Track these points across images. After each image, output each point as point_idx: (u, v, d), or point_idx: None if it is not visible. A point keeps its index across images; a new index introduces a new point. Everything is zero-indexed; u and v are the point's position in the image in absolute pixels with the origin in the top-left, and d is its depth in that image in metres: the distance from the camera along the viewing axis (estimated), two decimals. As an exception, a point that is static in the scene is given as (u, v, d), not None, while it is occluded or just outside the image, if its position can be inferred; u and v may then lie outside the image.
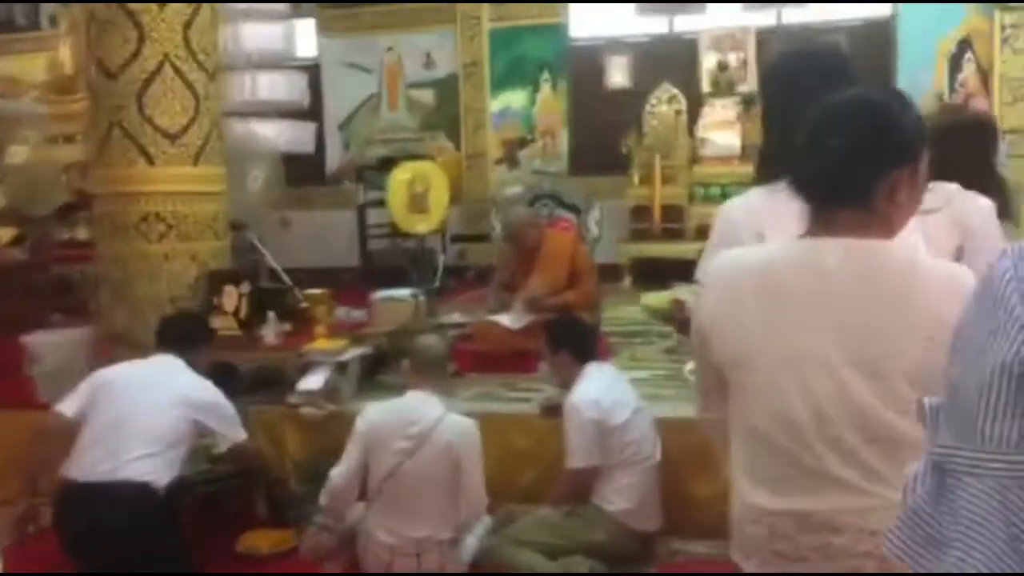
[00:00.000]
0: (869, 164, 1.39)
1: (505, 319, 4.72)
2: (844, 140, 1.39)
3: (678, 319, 2.22)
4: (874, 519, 1.35)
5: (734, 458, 1.57)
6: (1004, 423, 0.92)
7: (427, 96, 9.34)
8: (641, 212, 7.96)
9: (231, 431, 3.53)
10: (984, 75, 7.64)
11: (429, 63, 9.32)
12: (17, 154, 7.40)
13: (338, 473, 3.42)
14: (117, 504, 3.12)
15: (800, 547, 1.44)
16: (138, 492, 3.16)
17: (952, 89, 7.70)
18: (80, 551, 3.23)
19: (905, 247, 1.47)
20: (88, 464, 3.20)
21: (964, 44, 7.77)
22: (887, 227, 1.43)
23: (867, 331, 1.39)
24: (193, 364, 3.54)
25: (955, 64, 7.78)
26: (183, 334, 3.63)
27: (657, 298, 2.24)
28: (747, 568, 1.54)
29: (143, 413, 3.25)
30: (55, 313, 6.34)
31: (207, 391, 3.50)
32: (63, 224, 7.25)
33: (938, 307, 1.32)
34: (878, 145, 1.40)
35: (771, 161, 1.99)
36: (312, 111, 8.54)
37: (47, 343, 4.64)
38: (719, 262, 1.59)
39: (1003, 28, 7.52)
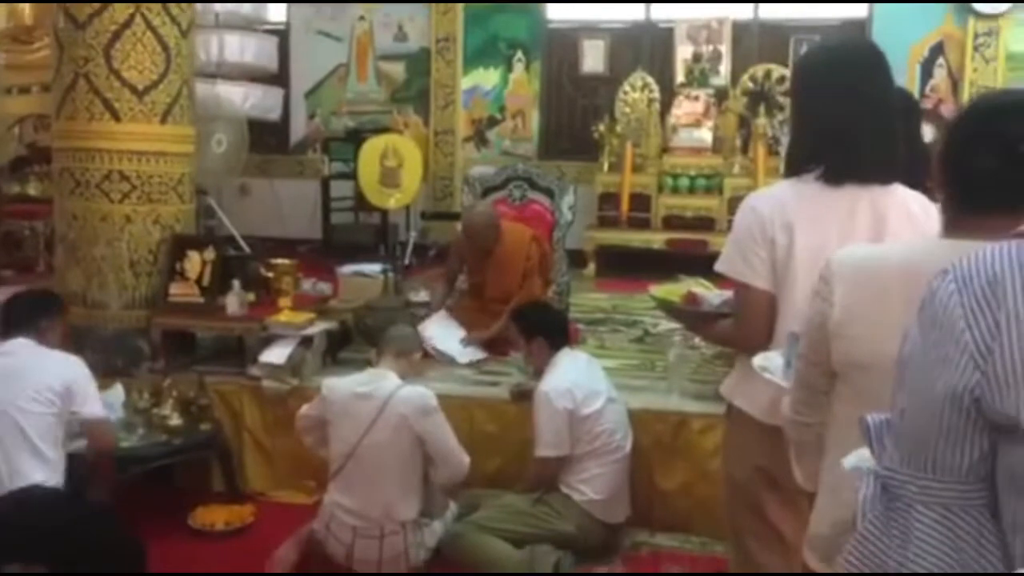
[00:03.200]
0: None
1: (455, 351, 4.57)
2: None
3: (688, 311, 2.16)
4: None
5: (830, 466, 1.47)
6: (955, 452, 0.92)
7: (397, 69, 9.17)
8: (609, 199, 7.92)
9: (86, 408, 3.19)
10: (954, 82, 7.74)
11: (400, 35, 9.15)
12: (-33, 104, 7.10)
13: (300, 415, 3.48)
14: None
15: None
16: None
17: (923, 94, 7.78)
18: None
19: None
20: None
21: (936, 50, 7.85)
22: None
23: None
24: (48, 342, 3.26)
25: (926, 70, 7.87)
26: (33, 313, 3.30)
27: (667, 290, 2.18)
28: (821, 570, 1.48)
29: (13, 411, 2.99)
30: (3, 270, 6.12)
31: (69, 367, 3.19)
32: (14, 179, 7.00)
33: None
34: None
35: (801, 154, 1.97)
36: (279, 77, 8.34)
37: (-5, 301, 4.44)
38: (852, 256, 1.49)
39: (976, 36, 7.62)
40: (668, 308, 2.24)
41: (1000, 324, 0.87)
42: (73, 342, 4.24)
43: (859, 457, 1.09)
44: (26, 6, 7.17)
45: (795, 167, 1.96)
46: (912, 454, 0.95)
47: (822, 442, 1.53)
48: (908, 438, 0.96)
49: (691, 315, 2.19)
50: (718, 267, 2.02)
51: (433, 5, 8.88)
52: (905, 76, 7.82)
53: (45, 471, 2.99)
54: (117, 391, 3.93)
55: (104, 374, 4.05)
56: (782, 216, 1.86)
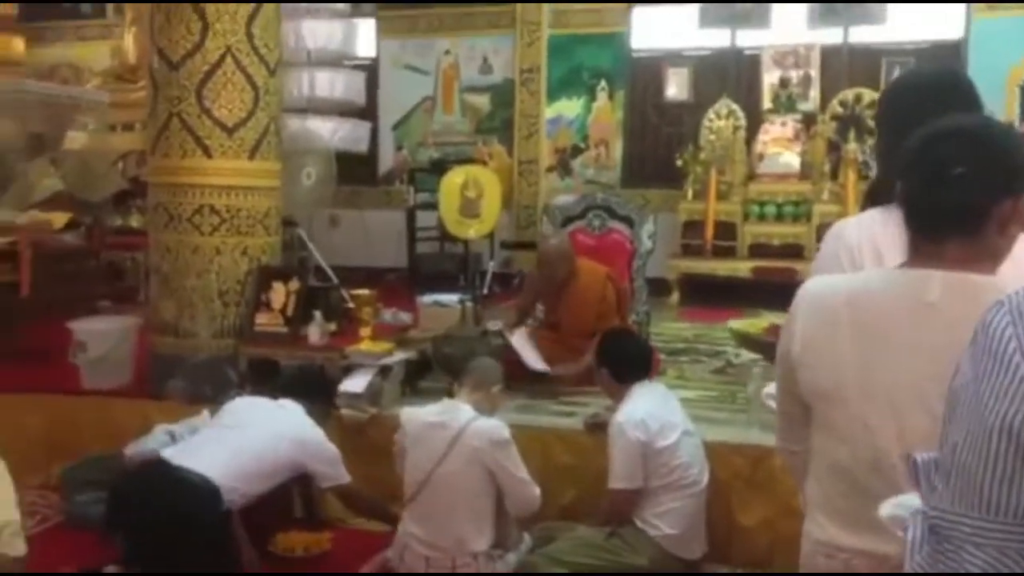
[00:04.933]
0: (989, 193, 1.33)
1: (535, 361, 4.56)
2: (968, 168, 1.32)
3: (771, 343, 2.12)
4: None
5: (810, 491, 1.52)
6: (1009, 490, 0.87)
7: (482, 100, 9.31)
8: (693, 227, 7.84)
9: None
10: (1056, 104, 7.41)
11: (485, 67, 9.29)
12: (76, 140, 7.50)
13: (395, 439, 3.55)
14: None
15: None
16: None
17: (1023, 119, 7.47)
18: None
19: (1012, 282, 1.39)
20: None
21: (1037, 72, 7.54)
22: (993, 260, 1.37)
23: None
24: None
25: (1027, 93, 7.56)
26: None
27: (748, 324, 2.16)
28: None
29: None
30: (104, 300, 6.40)
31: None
32: (117, 211, 7.34)
33: None
34: (1000, 173, 1.33)
35: (886, 184, 1.91)
36: (367, 110, 8.57)
37: (94, 330, 4.65)
38: (811, 287, 1.52)
39: (1080, 57, 7.29)
40: (748, 341, 2.21)
41: None
42: (165, 368, 4.42)
43: (897, 504, 1.05)
44: (129, 46, 7.55)
45: (879, 199, 1.90)
46: (964, 493, 0.91)
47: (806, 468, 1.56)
48: (960, 476, 0.92)
49: (773, 347, 2.15)
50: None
51: (518, 36, 8.99)
52: (1004, 99, 7.53)
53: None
54: (204, 417, 4.05)
55: (193, 400, 4.21)
56: (871, 243, 1.80)
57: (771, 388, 1.86)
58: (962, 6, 7.82)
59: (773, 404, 1.79)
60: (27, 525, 3.07)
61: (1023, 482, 0.86)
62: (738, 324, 2.24)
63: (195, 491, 3.16)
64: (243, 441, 3.41)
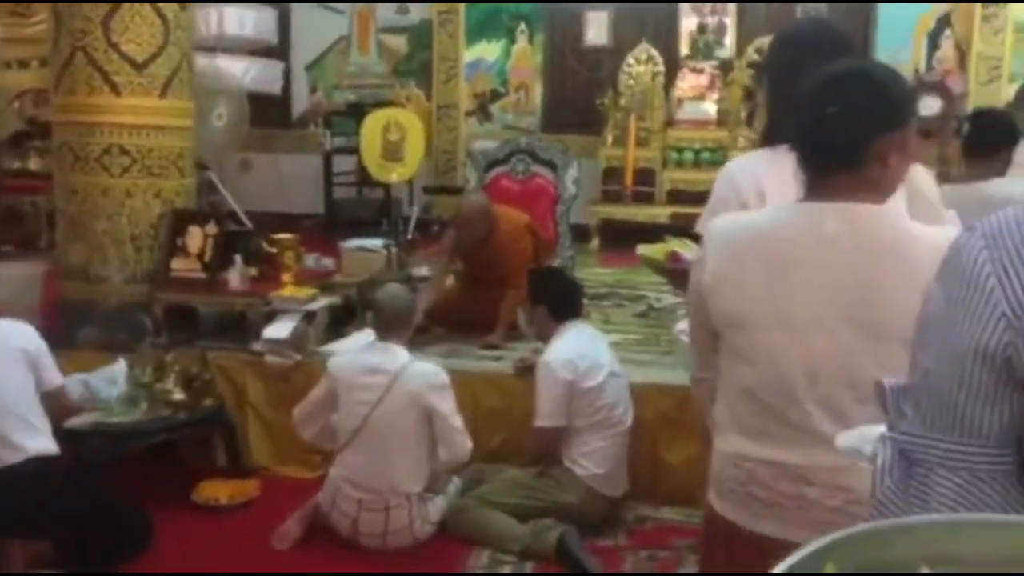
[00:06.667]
0: (862, 129, 1.45)
1: None
2: (839, 106, 1.45)
3: (672, 269, 2.22)
4: (849, 477, 1.39)
5: (719, 413, 1.63)
6: (983, 413, 0.89)
7: (399, 42, 9.09)
8: (613, 173, 7.87)
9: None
10: (962, 53, 7.65)
11: (402, 8, 9.06)
12: (-35, 77, 7.05)
13: (298, 408, 3.47)
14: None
15: (775, 494, 1.52)
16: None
17: (929, 66, 7.70)
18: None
19: (897, 211, 1.53)
20: None
21: (943, 22, 7.76)
22: (879, 191, 1.48)
23: (865, 293, 1.45)
24: None
25: (933, 41, 7.78)
26: None
27: (654, 249, 2.25)
28: (720, 508, 1.60)
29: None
30: (4, 245, 6.09)
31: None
32: (15, 154, 6.95)
33: (930, 272, 1.32)
34: (869, 111, 1.45)
35: (776, 126, 1.99)
36: (280, 50, 8.28)
37: (-3, 275, 4.43)
38: (720, 224, 1.62)
39: (984, 7, 7.51)
40: (654, 265, 2.31)
41: None
42: (75, 315, 4.25)
43: (857, 436, 1.07)
44: (25, -22, 7.09)
45: (771, 139, 1.98)
46: (936, 416, 0.91)
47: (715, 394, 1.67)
48: (933, 399, 0.92)
49: (674, 273, 2.25)
50: (697, 228, 2.04)
51: (435, -23, 8.79)
52: (912, 48, 7.75)
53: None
54: (120, 365, 3.92)
55: (106, 348, 4.06)
56: (755, 183, 1.89)
57: (683, 325, 1.96)
58: (874, -44, 7.95)
59: (686, 339, 1.91)
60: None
61: (996, 406, 0.87)
62: (646, 250, 2.33)
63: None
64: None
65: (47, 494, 2.87)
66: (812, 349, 1.47)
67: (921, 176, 2.16)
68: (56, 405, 3.19)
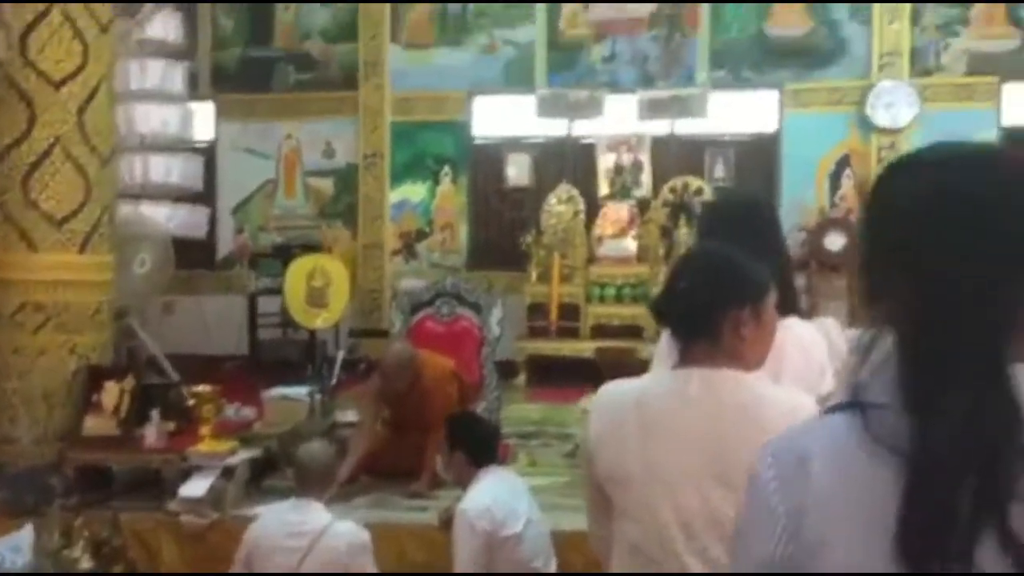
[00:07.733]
0: (707, 302, 1.61)
1: None
2: (690, 283, 1.64)
3: None
4: None
5: (616, 569, 1.70)
6: None
7: (325, 184, 9.25)
8: (538, 309, 8.00)
9: None
10: (861, 192, 8.10)
11: (328, 151, 9.26)
12: None
13: None
14: None
15: None
16: None
17: (832, 204, 8.14)
18: None
19: (754, 377, 1.65)
20: None
21: (843, 162, 8.26)
22: (738, 359, 1.62)
23: (722, 446, 1.56)
24: None
25: (835, 181, 8.25)
26: None
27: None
28: None
29: None
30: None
31: None
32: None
33: (776, 429, 1.41)
34: (716, 287, 1.62)
35: None
36: (206, 194, 8.33)
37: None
38: (603, 392, 1.75)
39: (879, 149, 8.04)
40: None
41: (806, 505, 0.90)
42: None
43: None
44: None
45: None
46: None
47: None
48: None
49: None
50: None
51: (361, 122, 9.04)
52: (815, 186, 8.19)
53: None
54: (27, 531, 3.75)
55: (13, 513, 3.88)
56: (668, 347, 1.95)
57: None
58: (776, 102, 8.48)
59: None
60: None
61: None
62: (589, 404, 2.35)
63: None
64: None
65: None
66: (684, 504, 1.57)
67: (837, 332, 2.33)
68: None
